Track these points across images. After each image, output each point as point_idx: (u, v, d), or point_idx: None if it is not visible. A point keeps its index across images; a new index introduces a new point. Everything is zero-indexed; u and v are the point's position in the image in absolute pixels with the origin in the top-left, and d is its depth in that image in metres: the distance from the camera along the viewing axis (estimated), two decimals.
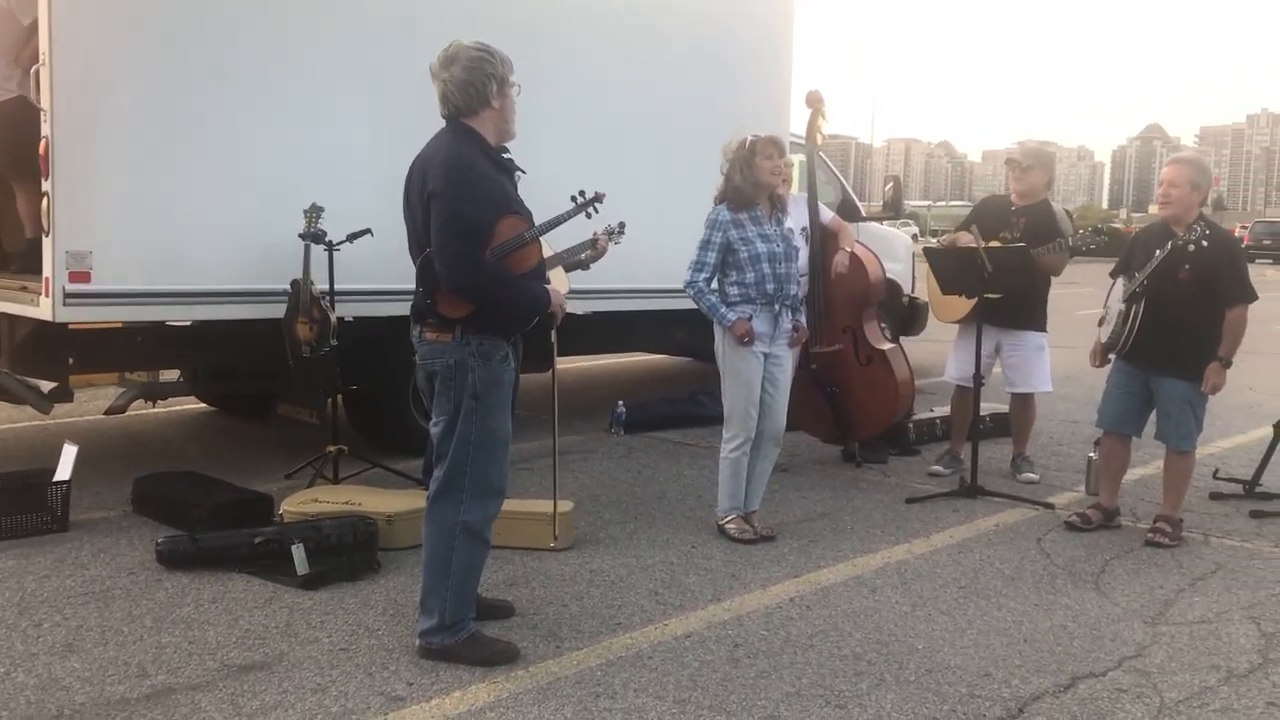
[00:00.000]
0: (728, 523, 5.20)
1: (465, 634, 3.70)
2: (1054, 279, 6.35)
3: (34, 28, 5.78)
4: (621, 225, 4.85)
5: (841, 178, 10.24)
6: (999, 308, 6.06)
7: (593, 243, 4.71)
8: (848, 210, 9.85)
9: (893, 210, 9.95)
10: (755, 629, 4.05)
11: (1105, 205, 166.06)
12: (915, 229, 55.35)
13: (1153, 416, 5.38)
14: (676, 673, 3.64)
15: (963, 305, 6.35)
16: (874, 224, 10.40)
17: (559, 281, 4.56)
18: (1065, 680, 3.65)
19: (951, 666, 3.74)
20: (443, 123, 3.73)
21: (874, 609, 4.28)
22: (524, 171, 3.81)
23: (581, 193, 4.09)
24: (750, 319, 5.08)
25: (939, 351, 8.74)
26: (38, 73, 5.27)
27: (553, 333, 4.49)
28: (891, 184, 9.96)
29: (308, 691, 3.44)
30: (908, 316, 10.40)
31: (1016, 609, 4.31)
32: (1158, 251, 5.12)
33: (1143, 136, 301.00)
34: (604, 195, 4.12)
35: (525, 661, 3.70)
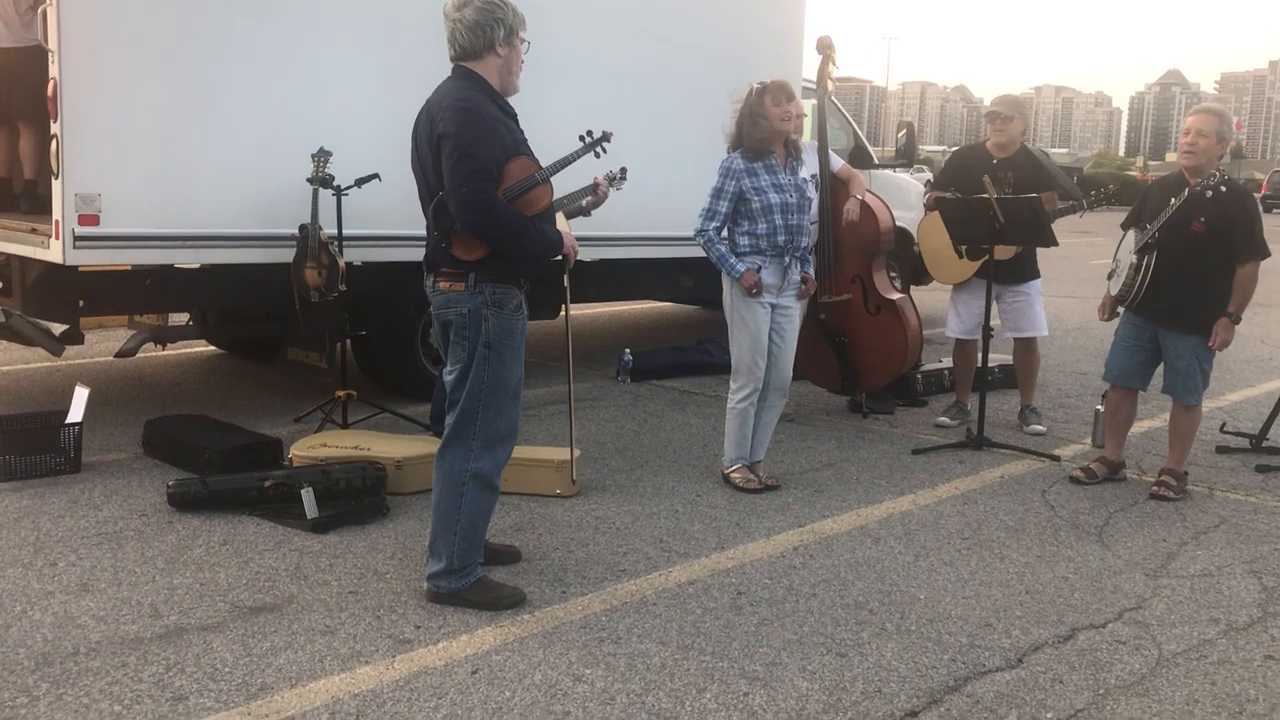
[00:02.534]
0: (733, 472, 5.23)
1: (472, 579, 3.75)
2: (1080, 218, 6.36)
3: None
4: (623, 171, 4.83)
5: (854, 124, 10.15)
6: (998, 265, 6.07)
7: (594, 188, 4.69)
8: (860, 157, 9.80)
9: (905, 157, 9.87)
10: (758, 577, 4.09)
11: (1122, 152, 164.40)
12: (929, 175, 54.95)
13: (1160, 370, 5.37)
14: (680, 619, 3.69)
15: (961, 268, 6.35)
16: (886, 171, 10.33)
17: (561, 227, 4.55)
18: (1065, 631, 3.69)
19: (953, 616, 3.78)
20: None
21: (877, 559, 4.32)
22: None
23: (589, 132, 4.08)
24: (759, 270, 5.07)
25: (947, 301, 8.73)
26: (44, 13, 5.23)
27: (565, 277, 4.49)
28: (905, 130, 9.86)
29: (317, 634, 3.50)
30: (919, 265, 10.34)
31: (1019, 560, 4.35)
32: (1173, 199, 5.08)
33: (1161, 83, 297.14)
34: (611, 134, 4.11)
35: (531, 606, 3.75)
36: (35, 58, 5.81)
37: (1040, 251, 6.40)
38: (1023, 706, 3.15)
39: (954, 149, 8.41)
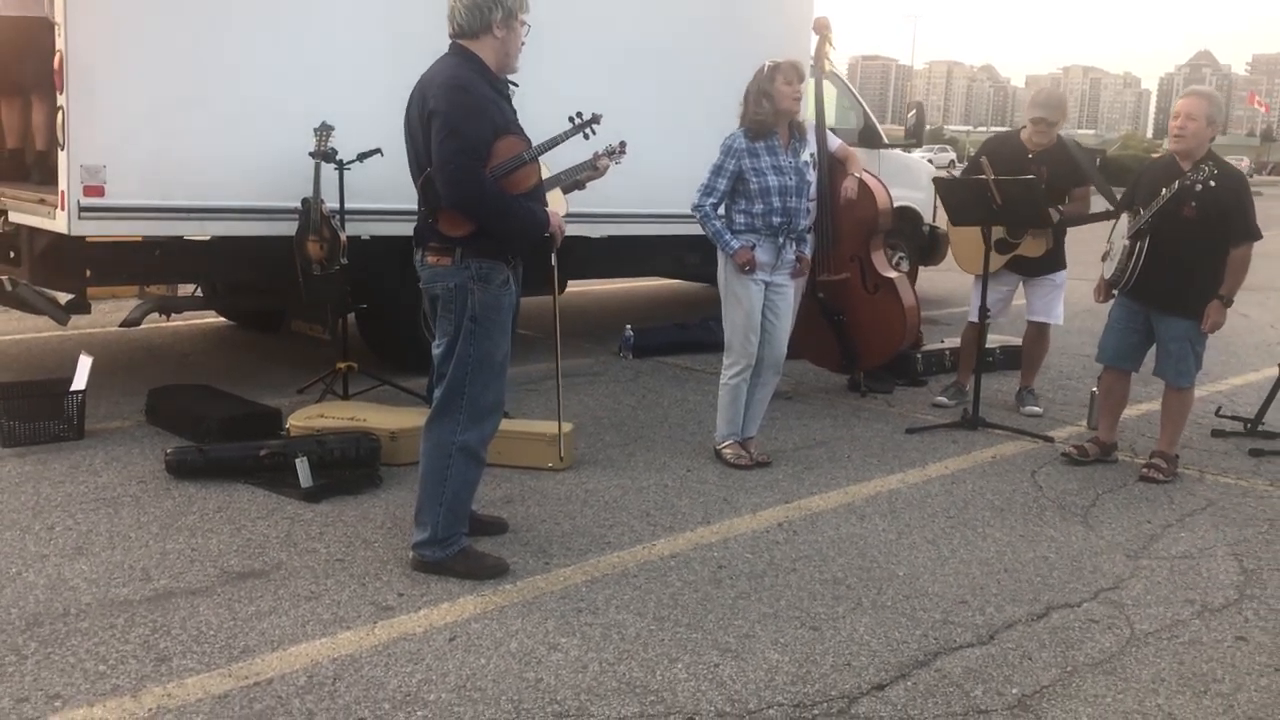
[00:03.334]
0: (725, 448, 5.28)
1: (457, 548, 3.82)
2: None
3: None
4: (622, 145, 4.84)
5: (864, 104, 10.12)
6: (1025, 260, 6.10)
7: (592, 164, 4.71)
8: (870, 137, 9.79)
9: (914, 137, 9.84)
10: (740, 552, 4.14)
11: (1150, 134, 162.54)
12: (953, 154, 54.63)
13: (1152, 352, 5.38)
14: (659, 591, 3.75)
15: (993, 259, 6.29)
16: (896, 151, 10.30)
17: (557, 203, 4.58)
18: (1039, 609, 3.73)
19: (929, 593, 3.83)
20: None
21: (860, 536, 4.37)
22: (517, 84, 3.84)
23: (579, 113, 4.11)
24: (753, 248, 5.10)
25: (960, 281, 8.73)
26: None
27: (553, 255, 4.54)
28: (915, 110, 9.83)
29: (301, 599, 3.58)
30: (928, 246, 10.35)
31: (1001, 539, 4.38)
32: (1164, 190, 5.07)
33: (1191, 64, 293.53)
34: (601, 116, 4.13)
35: (514, 576, 3.82)
36: (47, 30, 5.88)
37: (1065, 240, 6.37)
38: (989, 681, 3.20)
39: (988, 134, 8.32)
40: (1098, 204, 6.39)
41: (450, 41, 3.76)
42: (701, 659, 3.27)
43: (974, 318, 6.46)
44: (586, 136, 4.07)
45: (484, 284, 3.66)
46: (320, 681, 3.05)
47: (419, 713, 2.91)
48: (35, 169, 6.53)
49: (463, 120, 3.51)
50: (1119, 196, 5.69)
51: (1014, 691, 3.15)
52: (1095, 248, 5.91)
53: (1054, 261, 6.34)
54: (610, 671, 3.17)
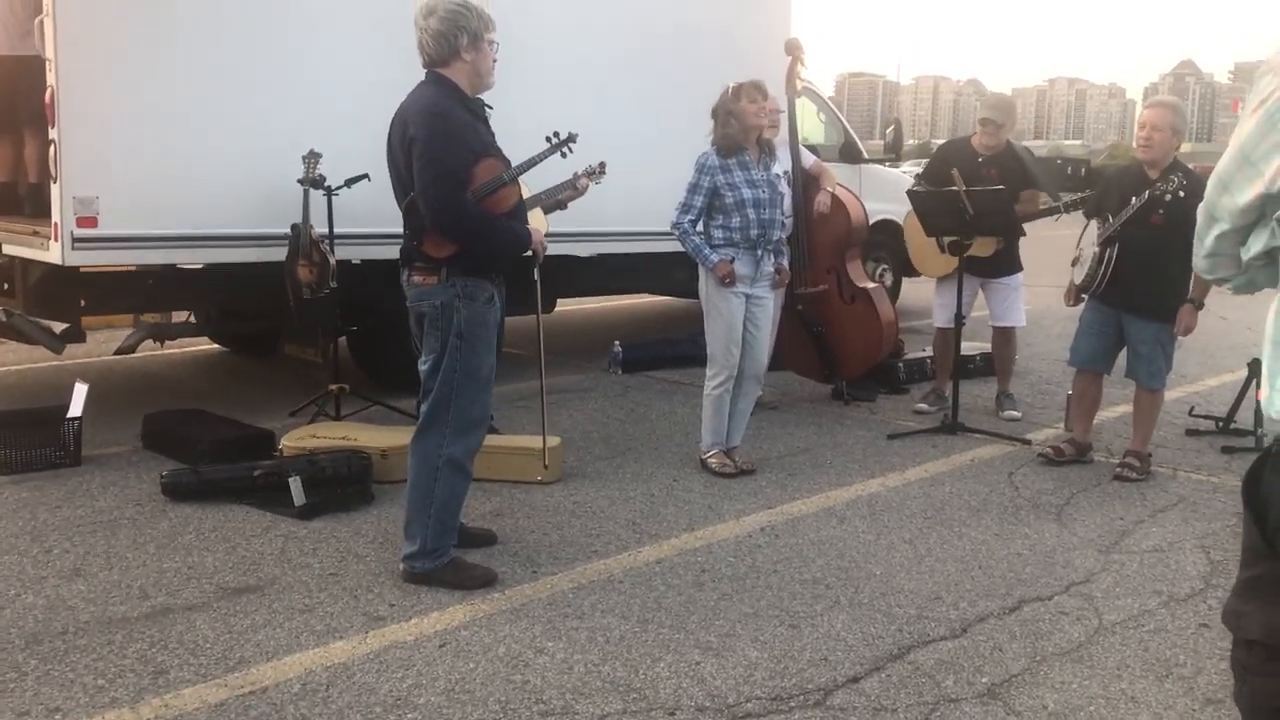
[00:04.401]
0: (709, 457, 5.40)
1: (446, 559, 3.93)
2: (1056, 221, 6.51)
3: None
4: (602, 165, 4.97)
5: (844, 120, 10.29)
6: (979, 261, 6.24)
7: (572, 184, 4.85)
8: (849, 152, 9.95)
9: (894, 152, 10.01)
10: (724, 556, 4.26)
11: (1135, 144, 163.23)
12: None
13: (1124, 355, 5.51)
14: (643, 595, 3.86)
15: (944, 263, 6.51)
16: (876, 166, 10.46)
17: (537, 222, 4.71)
18: (1011, 603, 3.85)
19: (905, 591, 3.94)
20: None
21: (839, 538, 4.49)
22: (491, 107, 3.97)
23: (555, 133, 4.24)
24: (732, 261, 5.24)
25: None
26: (41, 23, 5.43)
27: (535, 271, 4.66)
28: (893, 126, 10.01)
29: (295, 612, 3.68)
30: (909, 258, 10.48)
31: (976, 538, 4.50)
32: (1134, 199, 5.22)
33: (1175, 73, 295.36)
34: (577, 135, 4.27)
35: (502, 585, 3.93)
36: (37, 67, 6.04)
37: (1028, 242, 6.55)
38: (960, 672, 3.32)
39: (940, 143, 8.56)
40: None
41: (425, 70, 3.89)
42: (683, 658, 3.38)
43: (939, 323, 6.63)
44: (564, 155, 4.20)
45: (469, 301, 3.79)
46: (314, 689, 3.16)
47: (409, 715, 3.02)
48: (28, 201, 6.66)
49: (442, 146, 3.64)
50: (1074, 199, 5.91)
51: (984, 681, 3.27)
52: (1057, 255, 6.06)
53: (1009, 264, 6.50)
54: (595, 672, 3.28)
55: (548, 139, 4.19)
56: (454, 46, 3.77)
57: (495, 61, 3.90)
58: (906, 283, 10.59)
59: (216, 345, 8.37)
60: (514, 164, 3.87)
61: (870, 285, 6.70)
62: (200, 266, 6.26)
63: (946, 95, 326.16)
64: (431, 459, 3.88)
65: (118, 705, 3.04)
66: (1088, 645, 3.52)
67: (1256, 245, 1.61)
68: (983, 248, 6.27)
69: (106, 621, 3.59)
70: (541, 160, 4.09)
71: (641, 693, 3.16)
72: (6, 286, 6.24)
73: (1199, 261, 1.73)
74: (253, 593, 3.85)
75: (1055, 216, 6.37)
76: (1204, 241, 1.69)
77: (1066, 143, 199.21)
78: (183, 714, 3.00)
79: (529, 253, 4.00)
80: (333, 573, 4.05)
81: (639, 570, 4.11)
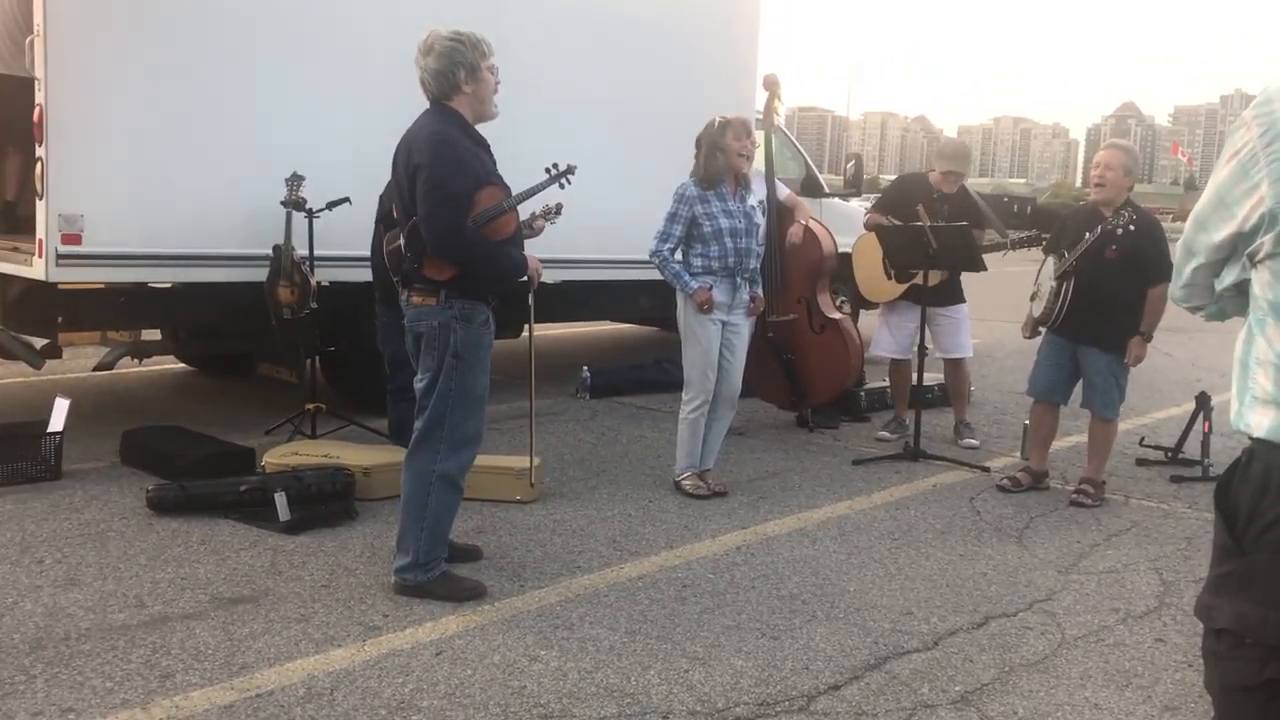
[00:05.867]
0: (684, 479, 5.57)
1: (437, 572, 4.05)
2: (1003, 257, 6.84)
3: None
4: (559, 207, 4.94)
5: (805, 155, 10.58)
6: (922, 289, 6.51)
7: (529, 223, 4.87)
8: (811, 187, 10.22)
9: (854, 187, 10.30)
10: (703, 572, 4.42)
11: (1079, 184, 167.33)
12: None
13: (1080, 386, 5.77)
14: (629, 609, 4.01)
15: (894, 288, 6.80)
16: (836, 200, 10.75)
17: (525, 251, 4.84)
18: (979, 619, 4.05)
19: (878, 606, 4.13)
20: (422, 99, 4.04)
21: (813, 557, 4.67)
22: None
23: (555, 165, 4.40)
24: (711, 289, 5.43)
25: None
26: (31, 43, 5.52)
27: (530, 296, 4.80)
28: (854, 161, 10.31)
29: (292, 621, 3.79)
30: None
31: (942, 558, 4.71)
32: (1087, 234, 5.49)
33: (1117, 115, 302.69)
34: (575, 167, 4.42)
35: (491, 598, 4.06)
36: (17, 86, 6.13)
37: (980, 277, 6.82)
38: (935, 681, 3.50)
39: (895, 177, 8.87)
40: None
41: (431, 101, 4.03)
42: (672, 666, 3.53)
43: (889, 353, 6.90)
44: (562, 186, 4.35)
45: (466, 323, 3.93)
46: (318, 692, 3.27)
47: (414, 718, 3.14)
48: (1, 218, 6.69)
49: (446, 173, 3.80)
50: (1021, 236, 6.23)
51: (957, 689, 3.45)
52: (1006, 289, 6.32)
53: (951, 294, 6.78)
54: (589, 679, 3.42)
55: (547, 170, 4.34)
56: (454, 82, 3.92)
57: (498, 84, 4.05)
58: (866, 315, 10.87)
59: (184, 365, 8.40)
60: (514, 193, 4.03)
61: (839, 316, 6.93)
62: (169, 285, 6.32)
63: (894, 131, 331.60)
64: (426, 474, 4.00)
65: (129, 706, 3.13)
66: (1052, 658, 3.73)
67: (1229, 278, 1.82)
68: (931, 276, 6.55)
69: (107, 628, 3.67)
70: (541, 190, 4.25)
71: (635, 698, 3.30)
72: None
73: (1176, 291, 1.94)
74: (248, 603, 3.94)
75: (1003, 253, 6.70)
76: (1182, 273, 1.90)
77: (1011, 181, 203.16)
78: (193, 715, 3.10)
79: (524, 278, 4.15)
80: (324, 584, 4.15)
81: (622, 585, 4.26)
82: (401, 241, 3.99)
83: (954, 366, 7.01)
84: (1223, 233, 1.76)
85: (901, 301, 6.81)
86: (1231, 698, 1.74)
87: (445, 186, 3.80)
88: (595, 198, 5.42)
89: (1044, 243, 6.27)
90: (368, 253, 6.41)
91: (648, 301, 8.69)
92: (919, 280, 6.48)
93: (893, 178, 8.93)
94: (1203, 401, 6.48)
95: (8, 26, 6.32)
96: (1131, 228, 5.38)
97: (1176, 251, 1.90)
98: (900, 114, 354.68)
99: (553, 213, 5.07)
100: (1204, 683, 1.87)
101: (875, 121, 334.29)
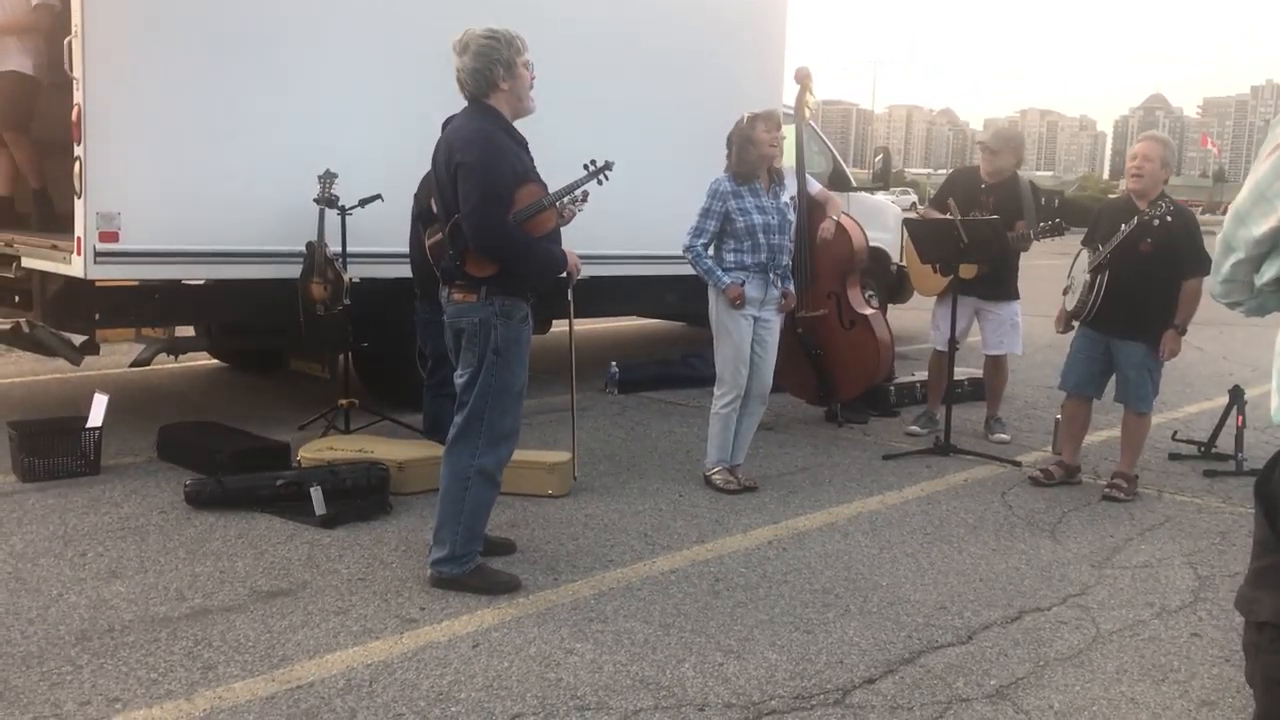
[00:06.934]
0: (714, 474, 5.59)
1: (472, 565, 4.09)
2: (1027, 251, 6.77)
3: (41, 8, 6.30)
4: (585, 194, 5.03)
5: (833, 149, 10.56)
6: (977, 281, 6.48)
7: (560, 211, 4.93)
8: (838, 181, 10.20)
9: (881, 181, 10.28)
10: (735, 567, 4.44)
11: (1106, 176, 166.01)
12: (915, 197, 55.64)
13: (1113, 381, 5.74)
14: (662, 602, 4.03)
15: (940, 281, 6.76)
16: (864, 194, 10.73)
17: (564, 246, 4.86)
18: (1013, 613, 4.05)
19: (911, 600, 4.14)
20: (454, 96, 4.08)
21: (845, 551, 4.68)
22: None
23: (593, 160, 4.43)
24: (743, 284, 5.44)
25: (925, 319, 9.12)
26: (69, 44, 5.59)
27: (569, 291, 4.84)
28: (881, 155, 10.28)
29: (331, 614, 3.83)
30: (895, 285, 10.75)
31: (975, 553, 4.71)
32: (1123, 225, 5.47)
33: (1145, 107, 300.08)
34: (614, 163, 4.44)
35: (526, 591, 4.10)
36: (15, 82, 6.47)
37: (1021, 273, 6.80)
38: (969, 675, 3.51)
39: (949, 171, 8.84)
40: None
41: (468, 100, 4.06)
42: (706, 659, 3.55)
43: (940, 346, 6.86)
44: (600, 182, 4.37)
45: (506, 319, 3.97)
46: (358, 684, 3.31)
47: (453, 709, 3.18)
48: (34, 217, 6.78)
49: (487, 171, 3.83)
50: (1045, 225, 6.28)
51: (992, 683, 3.46)
52: (1039, 283, 6.30)
53: (1005, 291, 6.74)
54: (624, 671, 3.45)
55: (585, 166, 4.36)
56: (492, 79, 3.95)
57: (533, 80, 4.08)
58: (894, 309, 10.85)
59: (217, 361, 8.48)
60: (552, 189, 4.05)
61: (869, 311, 6.93)
62: (203, 282, 6.40)
63: (920, 124, 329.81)
64: (464, 468, 4.04)
65: (174, 697, 3.19)
66: (1087, 652, 3.72)
67: (1269, 272, 1.81)
68: (966, 270, 6.53)
69: (150, 620, 3.73)
70: (580, 186, 4.27)
71: (670, 690, 3.33)
72: (18, 300, 6.37)
73: (1215, 287, 1.94)
74: (286, 596, 3.99)
75: (1073, 257, 6.57)
76: (1221, 269, 1.89)
77: (1038, 174, 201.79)
78: (237, 706, 3.15)
79: (564, 274, 4.18)
80: (361, 578, 4.20)
81: (655, 578, 4.28)
82: (444, 237, 4.02)
83: (995, 363, 6.98)
84: (1263, 227, 1.76)
85: (951, 294, 6.75)
86: (1274, 690, 1.74)
87: (488, 184, 3.84)
88: (622, 194, 5.42)
89: (1065, 231, 6.25)
90: (399, 249, 6.47)
91: (675, 297, 8.71)
92: (965, 274, 6.45)
93: (920, 171, 8.90)
94: (1236, 395, 6.44)
95: (31, 35, 6.49)
96: (1169, 218, 5.35)
97: (1215, 246, 1.90)
98: (925, 107, 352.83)
99: (579, 200, 5.11)
100: (1245, 676, 1.88)
101: (900, 115, 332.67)
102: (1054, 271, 7.30)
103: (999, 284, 6.68)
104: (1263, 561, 1.80)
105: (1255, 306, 1.93)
